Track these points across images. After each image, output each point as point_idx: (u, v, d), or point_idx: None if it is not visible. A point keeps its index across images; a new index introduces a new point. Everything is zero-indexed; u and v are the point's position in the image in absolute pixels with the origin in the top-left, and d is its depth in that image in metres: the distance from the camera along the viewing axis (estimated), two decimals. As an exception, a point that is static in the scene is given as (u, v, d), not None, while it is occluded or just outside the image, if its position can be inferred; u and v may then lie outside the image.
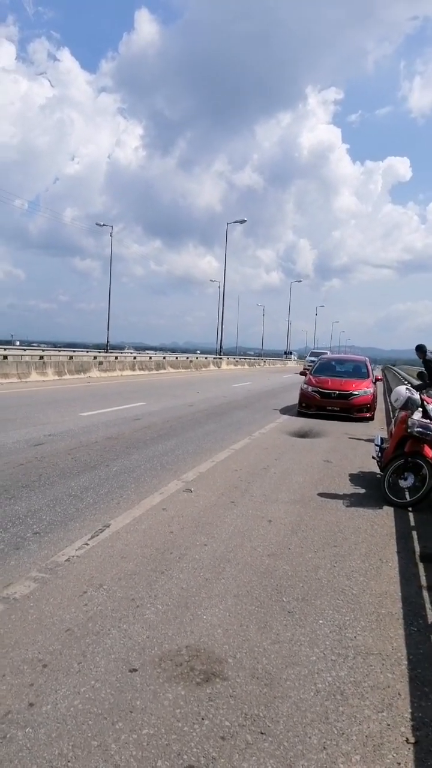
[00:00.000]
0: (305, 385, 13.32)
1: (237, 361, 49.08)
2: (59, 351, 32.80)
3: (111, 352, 37.56)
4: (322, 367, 14.71)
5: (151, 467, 6.55)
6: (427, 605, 3.35)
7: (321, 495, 5.78)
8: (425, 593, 3.52)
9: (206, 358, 42.98)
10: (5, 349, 27.13)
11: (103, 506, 4.91)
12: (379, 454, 6.46)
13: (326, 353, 38.00)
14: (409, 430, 5.61)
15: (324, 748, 2.09)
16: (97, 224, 45.63)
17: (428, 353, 10.96)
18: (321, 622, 3.07)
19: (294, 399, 14.55)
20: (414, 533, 4.76)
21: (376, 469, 6.82)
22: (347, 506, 5.43)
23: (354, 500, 5.67)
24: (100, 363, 24.90)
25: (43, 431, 8.51)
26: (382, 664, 2.70)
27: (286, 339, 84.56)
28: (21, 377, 18.63)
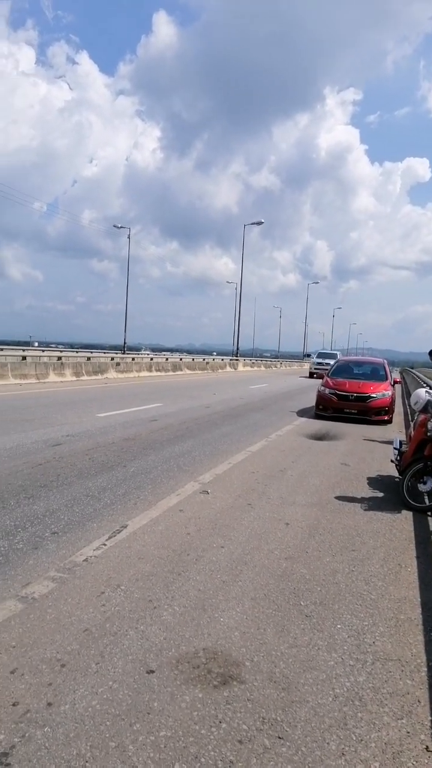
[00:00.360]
0: (322, 388, 13.25)
1: (253, 363, 49.00)
2: (77, 352, 33.06)
3: (128, 354, 37.76)
4: (340, 369, 14.62)
5: (168, 468, 6.56)
6: (447, 611, 3.30)
7: (338, 498, 5.74)
8: (445, 599, 3.47)
9: (222, 359, 43.00)
10: (24, 350, 27.44)
11: (120, 507, 4.93)
12: (398, 458, 6.39)
13: (336, 354, 36.33)
14: (428, 434, 5.55)
15: (342, 754, 2.07)
16: (114, 226, 45.92)
17: None
18: (339, 626, 3.04)
19: (311, 401, 14.49)
20: (433, 538, 4.70)
21: (395, 473, 6.75)
22: (365, 510, 5.38)
23: (372, 504, 5.62)
24: (117, 364, 25.05)
25: (61, 432, 8.58)
26: (401, 670, 2.67)
27: (302, 341, 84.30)
28: (39, 378, 18.81)
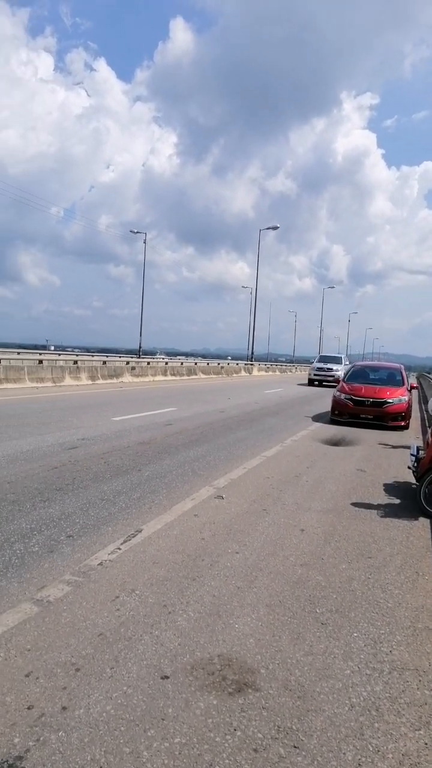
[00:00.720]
0: (338, 393, 13.17)
1: (268, 368, 48.91)
2: (93, 356, 33.28)
3: (143, 358, 37.93)
4: (356, 374, 14.52)
5: (183, 473, 6.56)
6: (466, 621, 3.25)
7: (354, 504, 5.69)
8: (463, 608, 3.41)
9: (237, 364, 42.99)
10: (41, 354, 27.68)
11: (135, 511, 4.93)
12: (415, 464, 6.32)
13: (340, 358, 32.79)
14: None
15: (359, 765, 2.04)
16: (131, 231, 46.27)
17: None
18: (355, 635, 3.01)
19: (326, 406, 14.41)
20: (451, 546, 4.64)
21: (412, 479, 6.67)
22: (382, 517, 5.33)
23: (389, 510, 5.56)
24: (133, 368, 25.16)
25: (76, 435, 8.63)
26: (418, 680, 2.62)
27: (318, 346, 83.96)
28: (56, 382, 18.95)
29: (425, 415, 15.22)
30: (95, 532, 4.33)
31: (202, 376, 31.74)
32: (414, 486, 6.38)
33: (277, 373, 48.73)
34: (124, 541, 4.15)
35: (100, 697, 2.33)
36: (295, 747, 2.11)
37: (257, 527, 4.72)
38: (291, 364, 68.19)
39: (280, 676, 2.57)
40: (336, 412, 12.98)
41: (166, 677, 2.50)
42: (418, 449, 6.67)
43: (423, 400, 22.14)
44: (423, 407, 18.36)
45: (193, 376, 30.42)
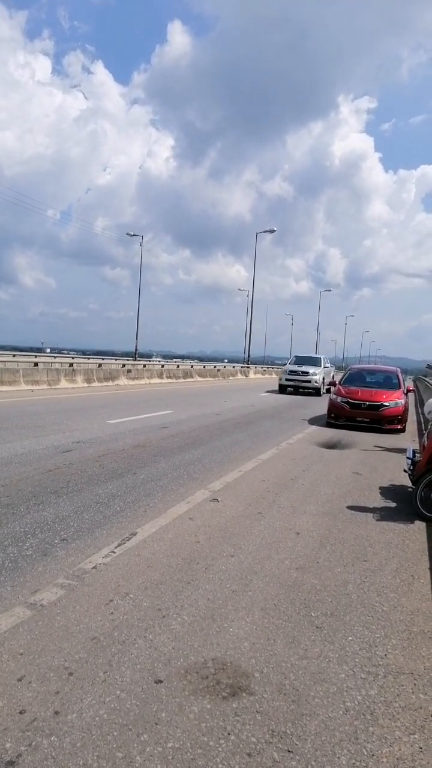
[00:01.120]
0: (334, 396, 13.18)
1: (265, 371, 48.93)
2: (88, 359, 33.22)
3: (139, 361, 37.90)
4: (352, 377, 14.54)
5: (178, 476, 6.54)
6: (461, 624, 3.24)
7: (350, 508, 5.68)
8: (459, 612, 3.41)
9: (234, 366, 42.99)
10: (36, 357, 27.61)
11: (129, 514, 4.91)
12: (411, 468, 6.32)
13: (320, 359, 26.47)
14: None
15: (353, 770, 2.03)
16: (127, 234, 46.27)
17: None
18: (350, 638, 2.99)
19: (323, 409, 14.41)
20: (446, 549, 4.63)
21: (408, 483, 6.67)
22: (377, 520, 5.32)
23: (384, 514, 5.55)
24: (129, 371, 25.13)
25: (71, 438, 8.60)
26: (413, 684, 2.61)
27: (314, 348, 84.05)
28: (51, 384, 18.91)
29: (421, 419, 15.24)
30: (89, 535, 4.31)
31: (199, 378, 31.72)
32: (410, 489, 6.38)
33: (274, 375, 48.70)
34: (119, 545, 4.13)
35: (93, 702, 2.31)
36: (289, 751, 2.10)
37: (252, 530, 4.71)
38: (287, 368, 68.24)
39: (275, 680, 2.55)
40: (332, 415, 12.99)
41: (160, 681, 2.48)
42: (414, 452, 6.67)
43: (419, 403, 22.18)
44: (419, 410, 18.40)
45: (189, 379, 30.40)
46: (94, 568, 3.69)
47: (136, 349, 44.99)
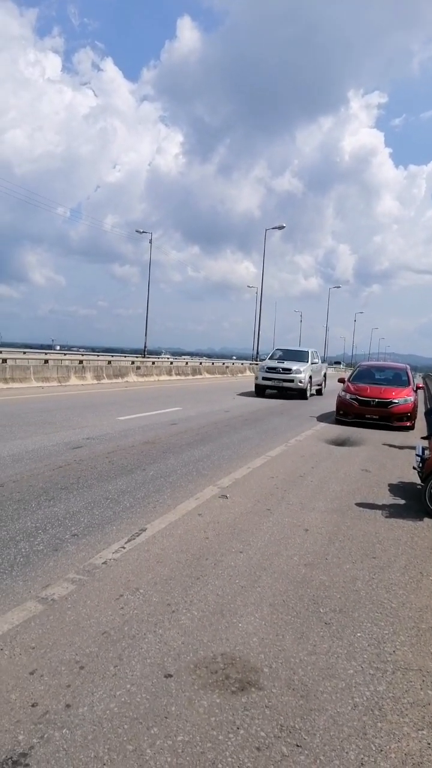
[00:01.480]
0: (343, 393, 13.16)
1: (273, 368, 48.88)
2: (98, 356, 33.36)
3: (148, 357, 37.98)
4: (361, 374, 14.51)
5: (187, 472, 6.57)
6: (470, 622, 3.24)
7: (359, 505, 5.68)
8: (468, 609, 3.41)
9: (242, 363, 42.98)
10: (46, 354, 27.74)
11: (139, 510, 4.95)
12: (420, 465, 6.30)
13: (306, 353, 20.74)
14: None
15: (362, 764, 2.04)
16: (136, 231, 46.38)
17: None
18: (359, 634, 3.01)
19: (331, 406, 14.39)
20: (456, 546, 4.63)
21: (417, 480, 6.66)
22: (386, 517, 5.32)
23: (393, 511, 5.55)
24: (138, 368, 25.20)
25: (81, 434, 8.65)
26: (422, 680, 2.62)
27: (323, 345, 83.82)
28: (61, 381, 19.00)
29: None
30: (100, 531, 4.35)
31: (207, 375, 31.76)
32: (419, 487, 6.36)
33: (283, 373, 48.69)
34: (129, 540, 4.16)
35: (103, 695, 2.34)
36: (297, 746, 2.11)
37: (261, 527, 4.72)
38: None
39: (284, 675, 2.57)
40: (341, 412, 12.96)
41: (170, 676, 2.51)
42: (423, 450, 6.66)
43: (429, 400, 22.07)
44: (429, 406, 18.30)
45: (198, 376, 30.43)
46: (105, 563, 3.72)
47: (145, 346, 45.09)
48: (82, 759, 1.97)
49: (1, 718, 2.16)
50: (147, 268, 45.44)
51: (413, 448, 7.91)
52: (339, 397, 13.22)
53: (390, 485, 6.72)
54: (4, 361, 17.96)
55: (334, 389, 21.79)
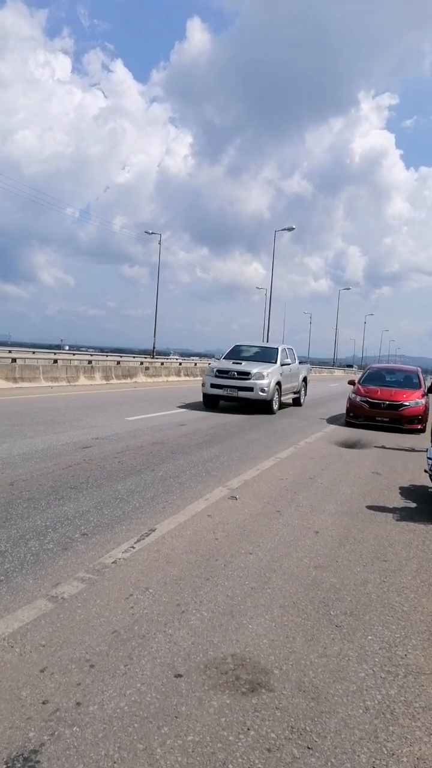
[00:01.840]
0: (353, 395, 13.10)
1: (282, 370, 48.79)
2: (107, 356, 33.45)
3: (157, 358, 38.05)
4: (372, 376, 14.44)
5: (196, 473, 6.56)
6: None
7: (369, 507, 5.65)
8: None
9: (251, 365, 42.96)
10: (55, 354, 27.85)
11: (148, 510, 4.95)
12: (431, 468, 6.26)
13: (277, 350, 15.48)
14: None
15: (373, 767, 2.03)
16: (145, 232, 46.54)
17: None
18: (370, 637, 2.98)
19: (341, 408, 14.33)
20: (467, 550, 4.58)
21: (428, 483, 6.62)
22: (397, 520, 5.28)
23: (404, 514, 5.51)
24: (146, 368, 25.24)
25: (90, 434, 8.67)
26: (434, 684, 2.60)
27: (333, 347, 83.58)
28: (70, 381, 19.08)
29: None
30: (109, 530, 4.35)
31: (216, 377, 31.73)
32: (430, 490, 6.32)
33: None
34: (138, 540, 4.16)
35: (114, 694, 2.34)
36: (308, 748, 2.10)
37: (271, 528, 4.71)
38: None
39: (294, 677, 2.55)
40: (351, 415, 12.91)
41: (180, 675, 2.50)
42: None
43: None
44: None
45: (207, 377, 30.41)
46: (114, 562, 3.72)
47: (153, 347, 45.18)
48: (92, 757, 1.97)
49: (12, 715, 2.17)
50: (156, 269, 45.58)
51: (424, 451, 7.86)
52: (349, 399, 13.17)
53: (401, 488, 6.68)
54: (14, 360, 18.06)
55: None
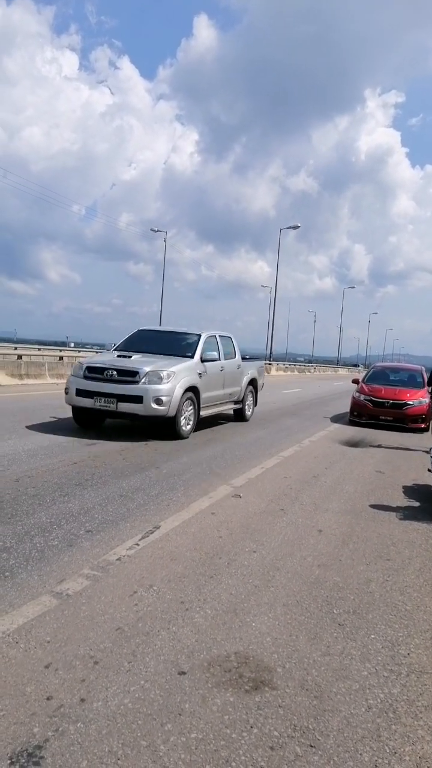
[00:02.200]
0: (357, 394, 13.09)
1: (287, 368, 48.76)
2: (112, 353, 33.43)
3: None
4: (375, 375, 14.42)
5: (200, 471, 6.57)
6: None
7: (373, 506, 5.65)
8: None
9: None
10: (61, 351, 27.91)
11: (153, 507, 4.96)
12: (435, 467, 6.26)
13: (196, 342, 9.60)
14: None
15: (376, 766, 2.03)
16: (151, 230, 46.55)
17: None
18: (373, 636, 2.99)
19: (345, 407, 14.31)
20: (471, 550, 4.58)
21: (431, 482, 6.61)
22: (400, 519, 5.28)
23: (408, 513, 5.51)
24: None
25: (95, 431, 8.69)
26: (437, 684, 2.60)
27: (337, 346, 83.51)
28: (75, 378, 19.11)
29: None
30: (114, 527, 4.37)
31: (221, 374, 31.71)
32: (434, 489, 6.31)
33: (296, 372, 48.55)
34: (142, 537, 4.18)
35: (118, 691, 2.35)
36: (311, 746, 2.11)
37: (275, 527, 4.72)
38: (310, 364, 68.10)
39: (297, 676, 2.57)
40: (355, 413, 12.90)
41: (183, 673, 2.52)
42: (438, 452, 6.60)
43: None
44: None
45: (212, 375, 30.40)
46: (119, 559, 3.74)
47: (158, 345, 45.17)
48: (96, 753, 1.99)
49: (17, 711, 2.19)
50: (161, 267, 45.58)
51: (428, 450, 7.85)
52: (353, 397, 13.16)
53: (404, 487, 6.67)
54: (20, 357, 18.11)
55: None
